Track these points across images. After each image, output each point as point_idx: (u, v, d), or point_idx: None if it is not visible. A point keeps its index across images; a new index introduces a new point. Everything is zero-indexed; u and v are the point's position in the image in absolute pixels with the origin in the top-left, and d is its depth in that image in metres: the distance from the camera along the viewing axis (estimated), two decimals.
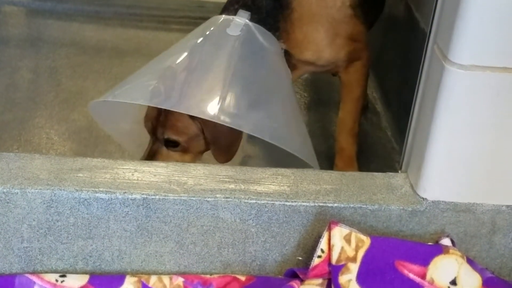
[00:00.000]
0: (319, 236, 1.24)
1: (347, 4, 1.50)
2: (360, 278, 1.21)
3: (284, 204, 1.24)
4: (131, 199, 1.22)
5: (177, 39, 1.54)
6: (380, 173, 1.33)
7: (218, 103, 1.33)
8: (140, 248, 1.26)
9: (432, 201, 1.27)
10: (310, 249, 1.27)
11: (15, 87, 1.94)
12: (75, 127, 1.78)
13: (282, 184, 1.27)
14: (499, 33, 1.13)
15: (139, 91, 1.39)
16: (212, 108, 1.33)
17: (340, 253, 1.22)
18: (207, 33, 1.44)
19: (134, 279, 1.24)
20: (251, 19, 1.44)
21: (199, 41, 1.43)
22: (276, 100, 1.45)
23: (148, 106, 1.45)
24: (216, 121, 1.32)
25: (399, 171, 1.35)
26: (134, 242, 1.26)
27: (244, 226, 1.26)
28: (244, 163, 1.64)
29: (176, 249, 1.27)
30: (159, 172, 1.27)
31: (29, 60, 2.07)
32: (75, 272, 1.26)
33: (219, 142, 1.44)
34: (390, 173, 1.34)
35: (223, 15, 1.47)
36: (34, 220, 1.23)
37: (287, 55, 1.49)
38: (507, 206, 1.28)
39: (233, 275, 1.28)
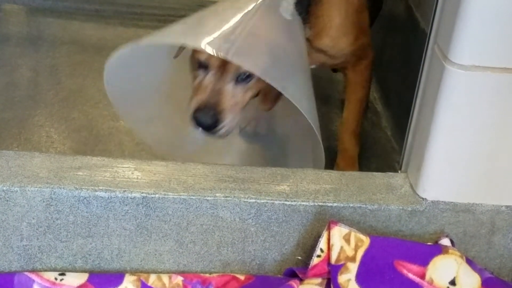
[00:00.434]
0: (319, 236, 1.24)
1: None
2: (359, 277, 1.21)
3: (283, 204, 1.24)
4: (131, 198, 1.22)
5: None
6: (379, 173, 1.33)
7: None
8: (139, 247, 1.26)
9: (432, 201, 1.27)
10: (309, 249, 1.27)
11: (15, 85, 1.94)
12: (75, 125, 1.78)
13: (281, 184, 1.27)
14: (499, 34, 1.13)
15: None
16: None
17: (339, 253, 1.22)
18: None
19: (133, 277, 1.24)
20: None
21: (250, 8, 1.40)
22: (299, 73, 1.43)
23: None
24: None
25: (399, 171, 1.35)
26: (134, 240, 1.26)
27: (244, 225, 1.26)
28: (242, 161, 1.64)
29: (176, 248, 1.27)
30: (159, 171, 1.27)
31: (29, 58, 2.07)
32: (74, 270, 1.26)
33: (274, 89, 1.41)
34: (390, 173, 1.34)
35: None
36: (33, 218, 1.22)
37: None
38: (507, 207, 1.28)
39: (232, 274, 1.28)
